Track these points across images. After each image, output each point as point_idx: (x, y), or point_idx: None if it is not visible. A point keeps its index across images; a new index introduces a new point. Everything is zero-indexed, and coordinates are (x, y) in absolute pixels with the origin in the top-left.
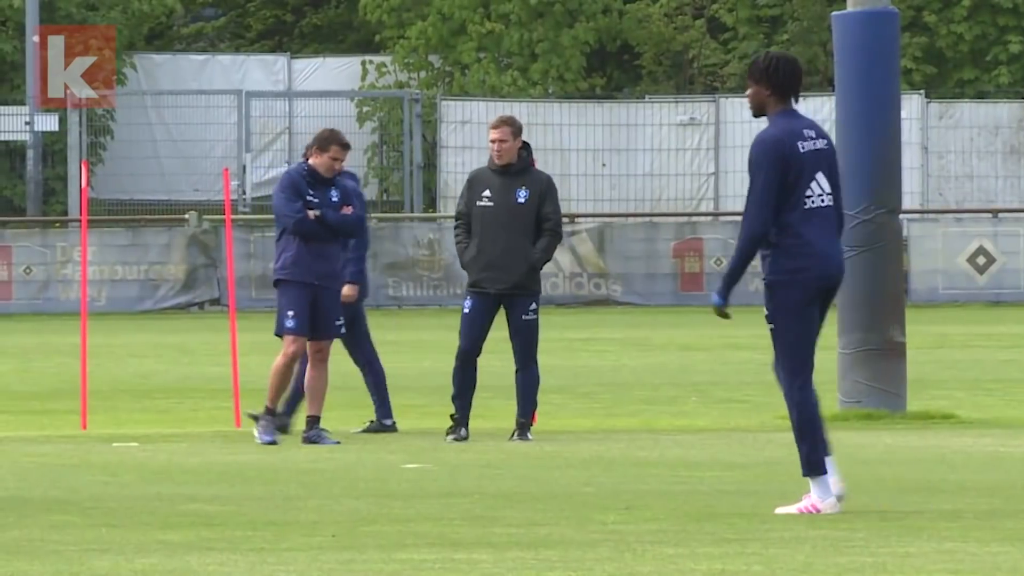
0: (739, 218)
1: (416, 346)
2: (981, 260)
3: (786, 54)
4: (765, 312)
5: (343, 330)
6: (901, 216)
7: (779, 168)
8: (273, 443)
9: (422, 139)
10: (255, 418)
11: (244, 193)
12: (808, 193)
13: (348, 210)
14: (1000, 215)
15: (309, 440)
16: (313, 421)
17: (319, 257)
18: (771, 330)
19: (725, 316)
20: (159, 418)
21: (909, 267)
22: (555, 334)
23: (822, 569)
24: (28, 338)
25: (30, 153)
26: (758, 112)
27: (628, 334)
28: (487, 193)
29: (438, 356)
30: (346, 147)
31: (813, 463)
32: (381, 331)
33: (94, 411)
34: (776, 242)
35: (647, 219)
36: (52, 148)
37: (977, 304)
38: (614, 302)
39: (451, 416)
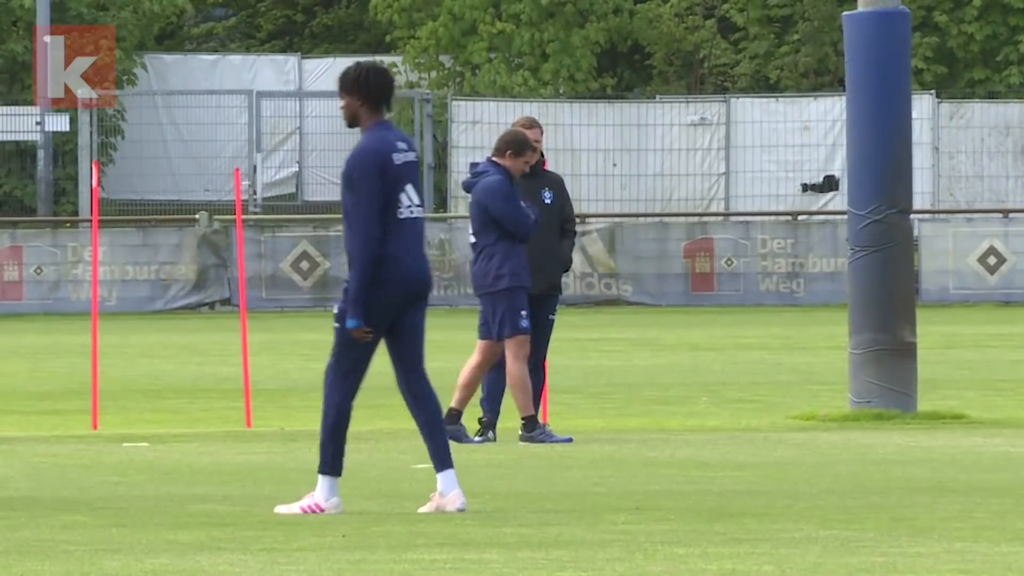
0: (750, 218)
1: (427, 346)
2: (992, 260)
3: (376, 65)
4: (335, 310)
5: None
6: (912, 216)
7: (379, 178)
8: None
9: (433, 139)
10: (528, 435)
11: (255, 193)
12: (399, 204)
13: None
14: (1011, 215)
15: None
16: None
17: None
18: (336, 329)
19: (367, 336)
20: (170, 418)
21: (920, 267)
22: (566, 334)
23: (832, 569)
24: (39, 338)
25: (41, 153)
26: (352, 123)
27: (639, 334)
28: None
29: (450, 356)
30: (534, 150)
31: (335, 464)
32: None
33: (105, 411)
34: None
35: (658, 219)
36: (63, 148)
37: (988, 304)
38: (625, 302)
39: (479, 420)
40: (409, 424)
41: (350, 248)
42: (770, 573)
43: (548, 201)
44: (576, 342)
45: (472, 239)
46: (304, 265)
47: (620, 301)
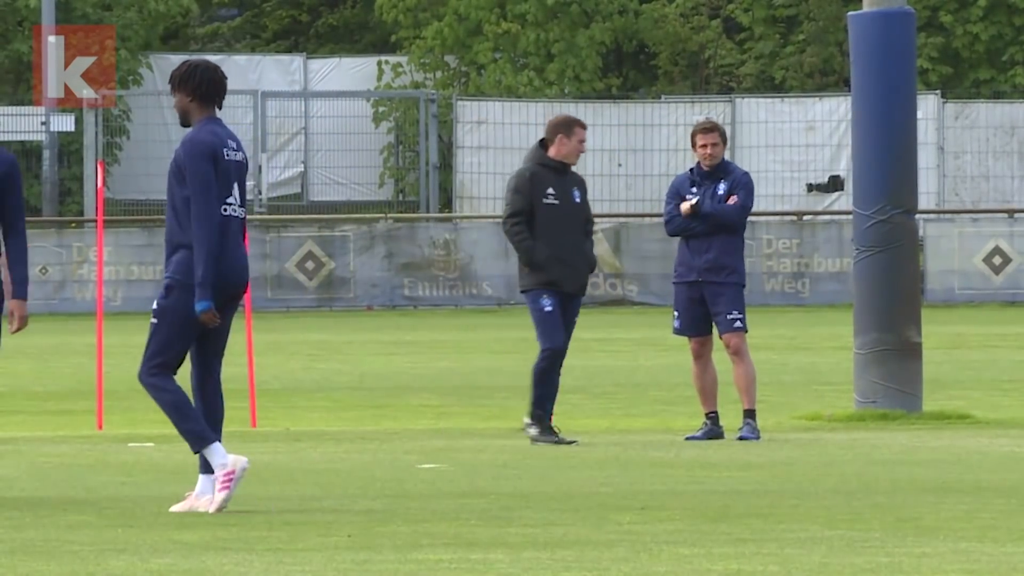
0: (755, 218)
1: (432, 346)
2: (997, 260)
3: (207, 62)
4: (153, 307)
5: (737, 324)
6: (917, 216)
7: (212, 165)
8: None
9: (438, 139)
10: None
11: (260, 193)
12: (229, 201)
13: (733, 200)
14: (1016, 215)
15: (748, 434)
16: (747, 414)
17: (699, 252)
18: (152, 324)
19: (216, 320)
20: None
21: (925, 267)
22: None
23: (838, 569)
24: (44, 338)
25: (46, 153)
26: (184, 120)
27: (644, 334)
28: (551, 191)
29: (454, 356)
30: (709, 132)
31: (199, 436)
32: (397, 331)
33: (110, 411)
34: (189, 245)
35: (663, 219)
36: (68, 148)
37: (993, 304)
38: (630, 302)
39: (538, 417)
40: (412, 424)
41: (172, 237)
42: (776, 573)
43: (578, 200)
44: (581, 342)
45: None
46: (309, 265)
47: (625, 301)
